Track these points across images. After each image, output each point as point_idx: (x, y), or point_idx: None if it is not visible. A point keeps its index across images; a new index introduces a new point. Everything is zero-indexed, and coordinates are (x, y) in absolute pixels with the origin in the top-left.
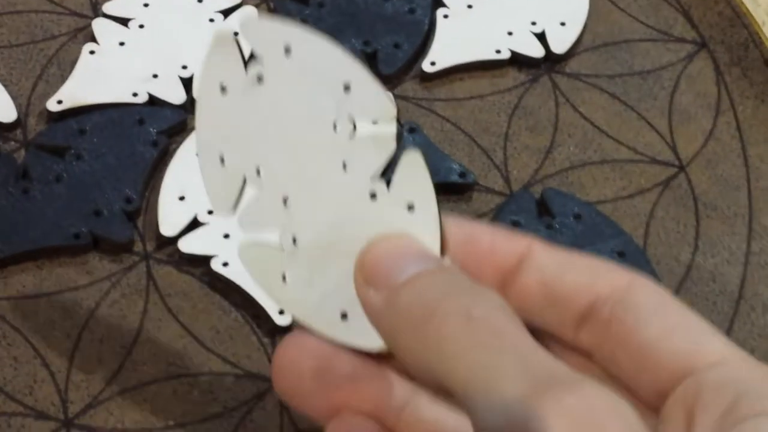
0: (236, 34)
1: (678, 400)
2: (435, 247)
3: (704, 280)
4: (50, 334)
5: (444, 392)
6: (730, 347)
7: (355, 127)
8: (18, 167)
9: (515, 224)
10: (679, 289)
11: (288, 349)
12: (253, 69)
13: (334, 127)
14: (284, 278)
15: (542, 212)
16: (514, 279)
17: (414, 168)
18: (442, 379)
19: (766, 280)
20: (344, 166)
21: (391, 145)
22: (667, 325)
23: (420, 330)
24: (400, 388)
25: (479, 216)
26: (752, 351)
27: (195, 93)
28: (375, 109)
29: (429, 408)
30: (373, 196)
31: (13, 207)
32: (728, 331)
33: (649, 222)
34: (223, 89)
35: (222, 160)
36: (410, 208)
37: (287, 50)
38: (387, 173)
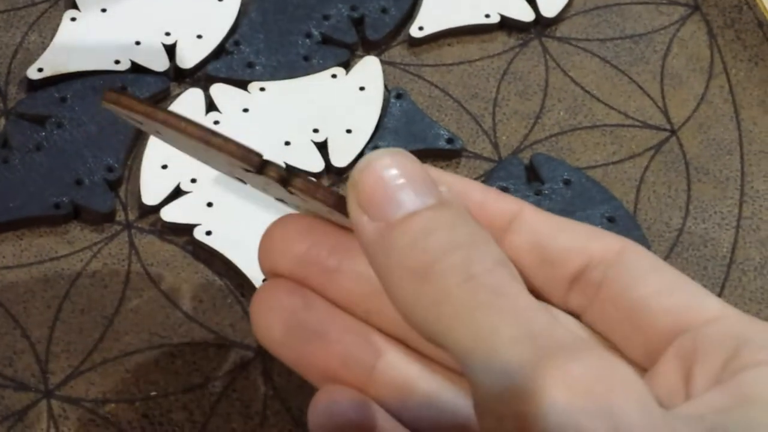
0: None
1: (672, 357)
2: None
3: (695, 244)
4: (30, 305)
5: (443, 348)
6: (726, 306)
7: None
8: None
9: (504, 190)
10: (670, 254)
11: (261, 298)
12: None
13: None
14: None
15: (531, 178)
16: (503, 238)
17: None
18: (438, 338)
19: (758, 244)
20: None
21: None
22: (661, 284)
23: (416, 284)
24: (370, 345)
25: None
26: None
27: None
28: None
29: (400, 368)
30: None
31: None
32: (719, 296)
33: (640, 187)
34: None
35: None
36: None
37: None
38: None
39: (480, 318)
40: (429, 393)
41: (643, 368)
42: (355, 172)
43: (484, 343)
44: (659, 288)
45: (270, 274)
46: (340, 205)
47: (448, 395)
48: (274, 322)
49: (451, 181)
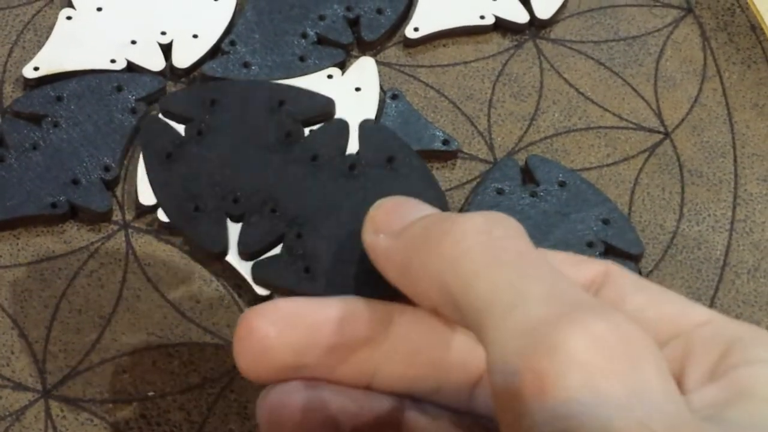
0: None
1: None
2: (434, 191)
3: (689, 247)
4: (28, 305)
5: (459, 315)
6: (714, 312)
7: (303, 126)
8: None
9: (499, 192)
10: (664, 256)
11: (271, 405)
12: (190, 129)
13: (288, 135)
14: (307, 270)
15: (527, 180)
16: None
17: (381, 129)
18: (458, 299)
19: (751, 247)
20: (313, 159)
21: (344, 126)
22: (650, 297)
23: (435, 246)
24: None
25: (462, 184)
26: (737, 317)
27: (147, 171)
28: (314, 105)
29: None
30: (351, 167)
31: None
32: (713, 298)
33: (634, 189)
34: (168, 156)
35: (197, 209)
36: (390, 159)
37: (213, 102)
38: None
39: (502, 274)
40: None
41: None
42: (368, 215)
43: (505, 300)
44: (649, 300)
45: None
46: None
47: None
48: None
49: None
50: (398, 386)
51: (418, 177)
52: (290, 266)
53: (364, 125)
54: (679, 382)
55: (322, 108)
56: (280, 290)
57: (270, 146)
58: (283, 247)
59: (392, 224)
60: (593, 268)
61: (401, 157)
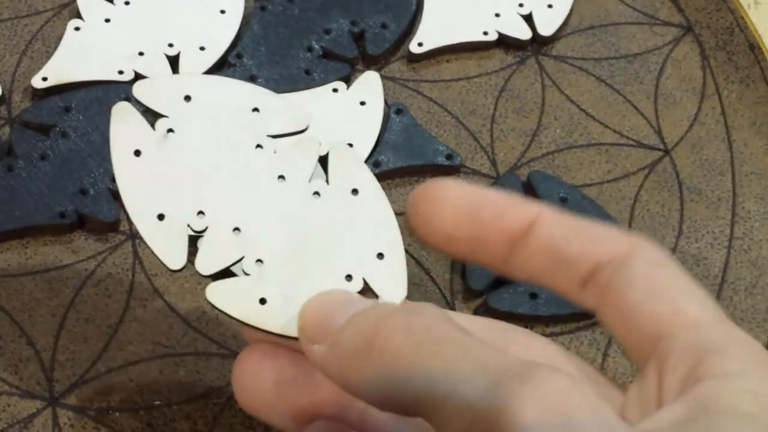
0: (128, 99)
1: (654, 363)
2: (390, 222)
3: (688, 263)
4: (35, 313)
5: (405, 411)
6: (706, 309)
7: (276, 140)
8: (2, 144)
9: None
10: None
11: (246, 365)
12: (161, 125)
13: (259, 147)
14: (263, 301)
15: (529, 195)
16: (522, 243)
17: (347, 157)
18: (399, 398)
19: (749, 264)
20: (280, 178)
21: (315, 147)
22: (649, 288)
23: (366, 356)
24: None
25: None
26: None
27: (114, 166)
28: (288, 120)
29: None
30: (316, 193)
31: None
32: None
33: (634, 205)
34: (137, 153)
35: (161, 218)
36: (355, 191)
37: (187, 98)
38: (323, 172)
39: (432, 364)
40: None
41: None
42: (298, 320)
43: (442, 387)
44: (646, 293)
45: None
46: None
47: None
48: (265, 382)
49: (467, 190)
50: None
51: (382, 208)
52: (246, 294)
53: (335, 149)
54: (659, 391)
55: (297, 122)
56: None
57: (238, 158)
58: (240, 272)
59: (322, 333)
60: (616, 246)
61: (365, 188)
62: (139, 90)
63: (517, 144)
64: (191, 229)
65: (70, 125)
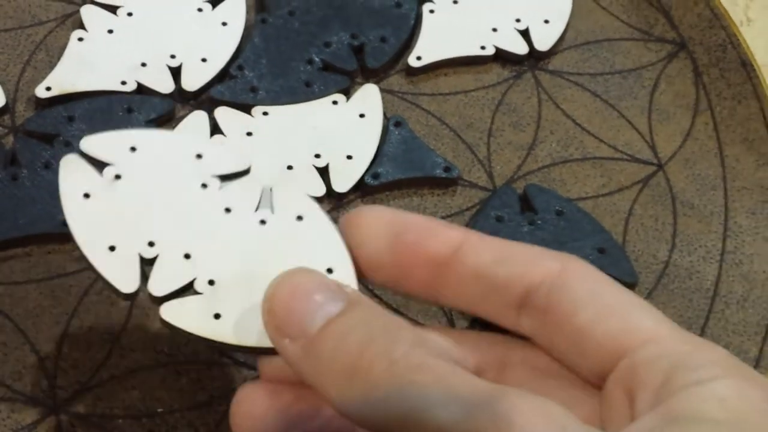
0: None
1: (617, 382)
2: (336, 241)
3: (681, 277)
4: (39, 320)
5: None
6: (660, 323)
7: (220, 180)
8: (6, 153)
9: (499, 219)
10: (657, 285)
11: (244, 404)
12: (108, 172)
13: (204, 186)
14: (217, 316)
15: (525, 208)
16: (448, 270)
17: (289, 188)
18: (380, 420)
19: (740, 278)
20: (227, 210)
21: (256, 184)
22: (600, 308)
23: (347, 382)
24: None
25: (463, 211)
26: (726, 346)
27: (63, 207)
28: (230, 161)
29: None
30: (262, 222)
31: (2, 193)
32: (703, 327)
33: (629, 219)
34: (86, 195)
35: (112, 249)
36: (299, 218)
37: (133, 149)
38: (266, 201)
39: (408, 395)
40: None
41: (598, 386)
42: (265, 298)
43: (417, 415)
44: (597, 313)
45: None
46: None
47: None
48: (266, 420)
49: (388, 215)
50: None
51: (328, 230)
52: (200, 309)
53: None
54: (631, 407)
55: (239, 164)
56: (187, 334)
57: (185, 195)
58: (193, 291)
59: (295, 328)
60: (546, 267)
61: (309, 214)
62: (86, 144)
63: (513, 157)
64: (142, 257)
65: (73, 135)
